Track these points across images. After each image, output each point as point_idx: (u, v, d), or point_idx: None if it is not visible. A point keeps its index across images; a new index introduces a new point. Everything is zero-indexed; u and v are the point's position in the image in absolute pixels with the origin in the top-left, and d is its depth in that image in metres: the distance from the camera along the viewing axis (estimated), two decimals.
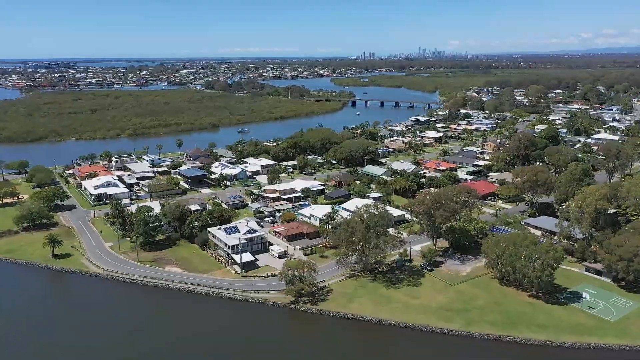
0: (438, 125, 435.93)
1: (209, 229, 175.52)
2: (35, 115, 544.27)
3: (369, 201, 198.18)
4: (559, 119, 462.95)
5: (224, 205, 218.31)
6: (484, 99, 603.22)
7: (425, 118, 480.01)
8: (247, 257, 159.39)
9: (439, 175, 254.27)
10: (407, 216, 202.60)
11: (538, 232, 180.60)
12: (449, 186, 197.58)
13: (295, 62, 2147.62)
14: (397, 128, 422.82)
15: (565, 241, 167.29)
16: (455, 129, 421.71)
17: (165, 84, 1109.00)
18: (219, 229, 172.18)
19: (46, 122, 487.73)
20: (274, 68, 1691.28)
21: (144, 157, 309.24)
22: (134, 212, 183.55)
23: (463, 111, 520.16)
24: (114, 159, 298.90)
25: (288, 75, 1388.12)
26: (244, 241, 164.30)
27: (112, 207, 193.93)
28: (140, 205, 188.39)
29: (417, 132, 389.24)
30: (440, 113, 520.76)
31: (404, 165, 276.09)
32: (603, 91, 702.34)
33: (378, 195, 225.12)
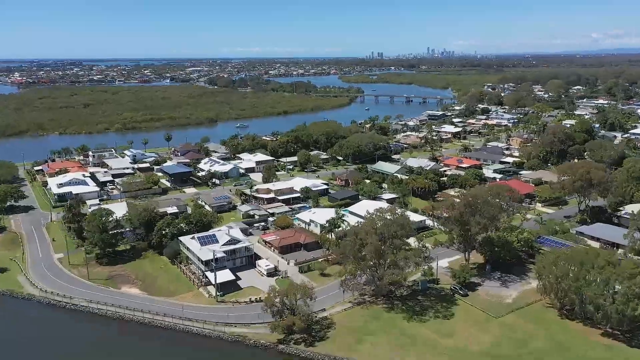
0: (455, 120, 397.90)
1: (181, 237, 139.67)
2: (24, 109, 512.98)
3: (382, 203, 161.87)
4: (587, 114, 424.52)
5: (207, 207, 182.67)
6: (502, 94, 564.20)
7: (441, 112, 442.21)
8: (224, 275, 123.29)
9: (462, 173, 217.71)
10: (428, 222, 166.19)
11: (596, 244, 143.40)
12: (482, 186, 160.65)
13: (302, 61, 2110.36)
14: (411, 123, 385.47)
15: (637, 257, 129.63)
16: (474, 124, 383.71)
17: (168, 81, 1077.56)
18: (192, 238, 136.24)
19: (33, 116, 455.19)
20: (281, 66, 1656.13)
21: (126, 152, 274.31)
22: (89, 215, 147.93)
23: (480, 106, 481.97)
24: (90, 153, 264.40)
25: (294, 73, 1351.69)
26: (221, 254, 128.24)
27: (65, 209, 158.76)
28: (97, 207, 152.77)
29: (433, 126, 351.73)
30: (456, 108, 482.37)
31: (420, 161, 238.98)
32: (629, 86, 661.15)
33: (392, 196, 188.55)
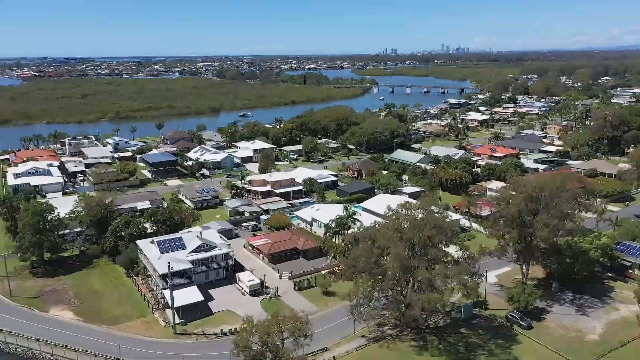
0: (480, 108, 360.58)
1: (138, 242, 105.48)
2: (18, 100, 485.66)
3: (403, 198, 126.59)
4: (625, 102, 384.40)
5: (187, 202, 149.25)
6: (528, 84, 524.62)
7: (463, 101, 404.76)
8: (189, 295, 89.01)
9: (498, 163, 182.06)
10: (463, 221, 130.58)
11: None
12: (543, 174, 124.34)
13: (315, 57, 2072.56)
14: (432, 111, 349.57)
15: None
16: (501, 112, 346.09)
17: (177, 74, 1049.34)
18: (152, 242, 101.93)
19: (24, 106, 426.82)
20: (292, 61, 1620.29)
21: (108, 140, 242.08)
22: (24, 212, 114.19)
23: (506, 95, 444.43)
24: (67, 141, 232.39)
25: (307, 67, 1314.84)
26: (186, 265, 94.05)
27: None
28: (35, 201, 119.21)
29: (457, 114, 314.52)
30: (479, 96, 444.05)
31: (447, 150, 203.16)
32: None
33: (416, 189, 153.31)
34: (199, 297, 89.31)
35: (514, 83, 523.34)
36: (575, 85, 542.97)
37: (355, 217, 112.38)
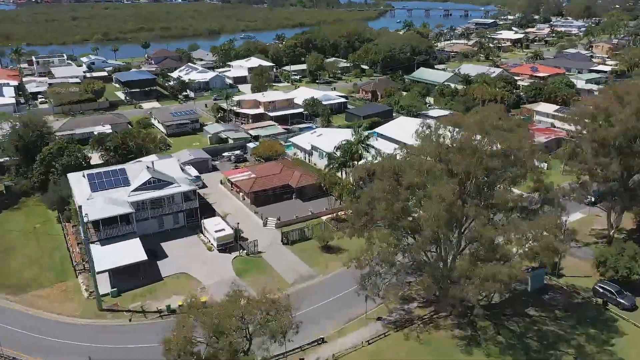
0: (512, 28, 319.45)
1: (70, 175, 76.58)
2: (6, 23, 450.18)
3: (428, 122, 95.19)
4: None
5: (159, 127, 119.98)
6: (563, 5, 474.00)
7: (491, 20, 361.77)
8: (123, 253, 61.18)
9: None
10: None
11: None
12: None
13: None
14: (457, 30, 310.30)
15: None
16: (535, 32, 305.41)
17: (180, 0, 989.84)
18: (84, 175, 73.08)
19: (8, 28, 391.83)
20: None
21: (84, 59, 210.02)
22: None
23: (539, 16, 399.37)
24: (34, 59, 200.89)
25: None
26: (122, 210, 65.57)
27: None
28: None
29: (487, 33, 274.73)
30: (509, 17, 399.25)
31: (480, 69, 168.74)
32: None
33: (445, 113, 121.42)
34: (141, 256, 61.29)
35: (545, 4, 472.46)
36: (616, 7, 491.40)
37: (368, 143, 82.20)
